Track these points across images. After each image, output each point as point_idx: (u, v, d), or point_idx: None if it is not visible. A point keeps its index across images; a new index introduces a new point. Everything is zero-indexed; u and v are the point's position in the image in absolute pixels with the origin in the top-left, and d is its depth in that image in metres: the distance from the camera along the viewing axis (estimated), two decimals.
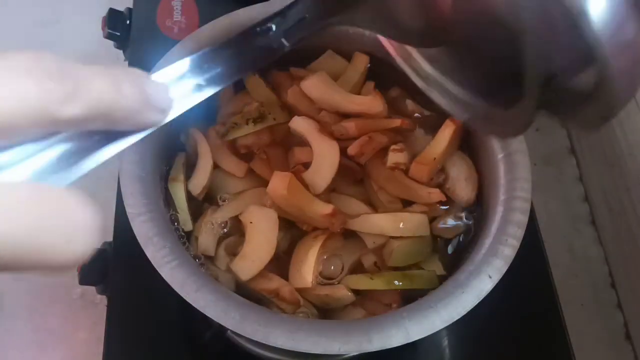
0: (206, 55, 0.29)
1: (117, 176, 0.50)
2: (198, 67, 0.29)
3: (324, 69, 0.61)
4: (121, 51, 0.81)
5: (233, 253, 0.53)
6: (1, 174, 0.21)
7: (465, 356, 0.64)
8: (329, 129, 0.56)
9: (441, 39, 0.35)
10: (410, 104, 0.60)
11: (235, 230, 0.54)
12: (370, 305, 0.52)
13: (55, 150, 0.23)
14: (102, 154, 0.27)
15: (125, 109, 0.25)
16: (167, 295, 0.45)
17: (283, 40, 0.32)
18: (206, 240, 0.53)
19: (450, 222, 0.55)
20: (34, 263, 0.21)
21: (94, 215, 0.22)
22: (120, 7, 0.79)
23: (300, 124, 0.56)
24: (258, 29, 0.31)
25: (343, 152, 0.55)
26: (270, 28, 0.31)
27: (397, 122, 0.57)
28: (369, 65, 0.61)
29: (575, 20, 0.24)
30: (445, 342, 0.63)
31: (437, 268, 0.53)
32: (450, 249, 0.55)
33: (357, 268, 0.53)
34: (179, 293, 0.45)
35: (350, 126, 0.56)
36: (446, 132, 0.56)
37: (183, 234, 0.53)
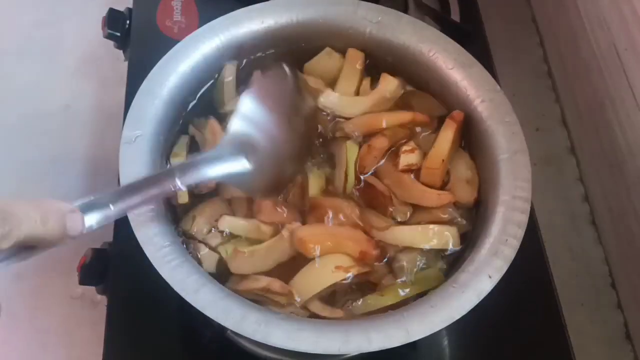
0: (121, 191, 0.43)
1: (117, 176, 0.50)
2: (113, 199, 0.43)
3: (321, 67, 0.61)
4: (121, 51, 0.81)
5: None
6: None
7: (465, 356, 0.64)
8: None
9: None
10: None
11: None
12: None
13: None
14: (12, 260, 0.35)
15: (46, 240, 0.35)
16: (167, 295, 0.45)
17: (179, 184, 0.44)
18: (203, 224, 0.53)
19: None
20: None
21: None
22: (120, 7, 0.79)
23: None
24: (161, 176, 0.45)
25: None
26: (173, 176, 0.44)
27: (408, 115, 0.57)
28: (367, 61, 0.61)
29: None
30: (445, 342, 0.63)
31: (440, 264, 0.53)
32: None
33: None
34: (179, 293, 0.45)
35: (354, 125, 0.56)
36: (448, 132, 0.56)
37: (182, 234, 0.53)
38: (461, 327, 0.58)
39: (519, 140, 0.54)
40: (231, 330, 0.45)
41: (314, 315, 0.50)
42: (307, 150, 0.56)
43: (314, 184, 0.55)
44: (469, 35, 0.76)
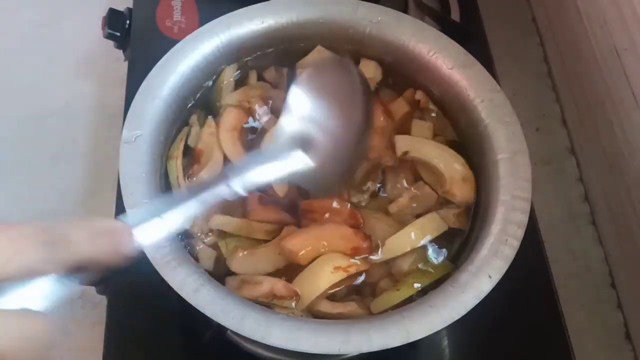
0: (173, 199, 0.38)
1: (117, 176, 0.50)
2: (166, 208, 0.37)
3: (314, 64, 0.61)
4: (121, 51, 0.81)
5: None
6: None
7: (465, 356, 0.64)
8: None
9: None
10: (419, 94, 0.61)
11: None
12: None
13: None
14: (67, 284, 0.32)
15: (98, 261, 0.33)
16: (167, 295, 0.45)
17: (238, 189, 0.41)
18: (203, 223, 0.53)
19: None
20: None
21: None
22: (120, 7, 0.79)
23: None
24: (218, 182, 0.41)
25: None
26: (228, 181, 0.40)
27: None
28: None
29: None
30: (445, 342, 0.63)
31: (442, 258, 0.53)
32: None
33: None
34: (179, 293, 0.45)
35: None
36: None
37: (183, 234, 0.53)
38: (461, 327, 0.58)
39: (519, 140, 0.54)
40: (231, 330, 0.45)
41: (325, 316, 0.50)
42: (364, 144, 0.50)
43: None
44: (469, 35, 0.76)
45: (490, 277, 0.47)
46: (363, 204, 0.56)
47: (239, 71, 0.62)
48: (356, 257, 0.52)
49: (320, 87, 0.46)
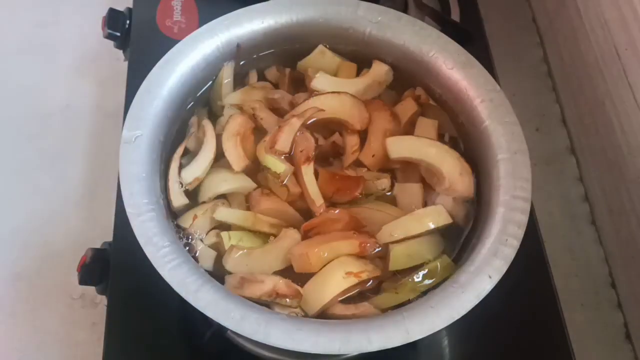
0: None
1: (117, 176, 0.50)
2: None
3: (315, 65, 0.61)
4: (121, 51, 0.81)
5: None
6: None
7: (465, 356, 0.64)
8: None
9: None
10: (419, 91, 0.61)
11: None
12: None
13: None
14: None
15: None
16: (167, 295, 0.45)
17: None
18: (203, 223, 0.53)
19: None
20: None
21: None
22: (120, 7, 0.79)
23: None
24: None
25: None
26: None
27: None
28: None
29: None
30: (445, 342, 0.63)
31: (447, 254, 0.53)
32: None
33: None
34: (179, 293, 0.45)
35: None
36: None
37: (182, 233, 0.53)
38: (461, 327, 0.58)
39: (519, 140, 0.54)
40: (231, 330, 0.45)
41: (339, 318, 0.50)
42: None
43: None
44: (469, 35, 0.76)
45: (490, 277, 0.47)
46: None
47: (240, 71, 0.62)
48: (366, 256, 0.52)
49: None
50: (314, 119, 0.57)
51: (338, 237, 0.52)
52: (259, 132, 0.58)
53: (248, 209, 0.55)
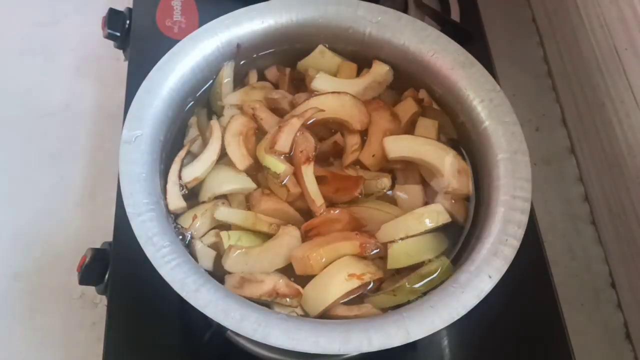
0: None
1: (117, 176, 0.50)
2: None
3: (315, 64, 0.61)
4: (121, 51, 0.81)
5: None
6: None
7: (465, 356, 0.64)
8: None
9: None
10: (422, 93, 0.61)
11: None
12: None
13: None
14: None
15: None
16: (167, 295, 0.45)
17: None
18: (202, 223, 0.53)
19: None
20: None
21: None
22: (120, 7, 0.79)
23: None
24: None
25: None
26: None
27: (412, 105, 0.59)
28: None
29: None
30: (445, 342, 0.63)
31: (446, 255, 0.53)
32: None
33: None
34: (179, 293, 0.45)
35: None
36: None
37: (182, 232, 0.53)
38: (461, 327, 0.58)
39: (519, 140, 0.54)
40: (231, 330, 0.45)
41: (342, 319, 0.50)
42: None
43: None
44: (469, 35, 0.76)
45: (490, 277, 0.47)
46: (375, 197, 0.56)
47: (240, 71, 0.62)
48: (367, 255, 0.52)
49: None
50: (314, 119, 0.57)
51: (339, 238, 0.52)
52: (259, 132, 0.58)
53: (248, 209, 0.55)
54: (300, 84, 0.62)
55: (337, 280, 0.50)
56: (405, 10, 0.79)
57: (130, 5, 0.79)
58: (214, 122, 0.57)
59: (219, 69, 0.60)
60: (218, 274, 0.51)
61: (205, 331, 0.59)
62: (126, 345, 0.60)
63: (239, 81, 0.62)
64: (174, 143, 0.57)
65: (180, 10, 0.78)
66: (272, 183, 0.55)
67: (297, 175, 0.55)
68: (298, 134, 0.56)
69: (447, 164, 0.55)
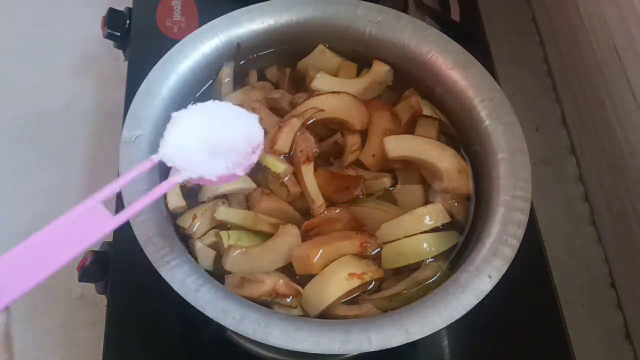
0: None
1: (117, 176, 0.50)
2: None
3: (315, 64, 0.61)
4: (121, 51, 0.81)
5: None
6: None
7: (465, 356, 0.64)
8: None
9: None
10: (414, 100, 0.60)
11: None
12: None
13: None
14: None
15: None
16: (167, 295, 0.45)
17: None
18: (202, 223, 0.53)
19: None
20: None
21: None
22: (120, 7, 0.79)
23: None
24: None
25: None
26: None
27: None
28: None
29: None
30: (445, 342, 0.63)
31: (442, 260, 0.53)
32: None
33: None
34: (179, 293, 0.45)
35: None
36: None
37: (182, 232, 0.53)
38: (461, 327, 0.58)
39: (519, 140, 0.54)
40: (231, 330, 0.45)
41: (342, 318, 0.50)
42: None
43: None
44: (469, 35, 0.76)
45: (490, 276, 0.47)
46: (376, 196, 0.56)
47: (240, 70, 0.62)
48: (367, 255, 0.52)
49: None
50: (314, 119, 0.57)
51: (339, 238, 0.52)
52: None
53: (248, 208, 0.55)
54: (300, 84, 0.62)
55: (338, 280, 0.50)
56: (405, 10, 0.79)
57: (130, 5, 0.79)
58: None
59: (219, 69, 0.60)
60: (218, 274, 0.51)
61: (205, 331, 0.59)
62: (126, 346, 0.60)
63: (239, 81, 0.62)
64: None
65: (180, 10, 0.78)
66: (272, 183, 0.55)
67: (297, 175, 0.55)
68: (298, 134, 0.56)
69: (447, 163, 0.55)
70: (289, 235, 0.52)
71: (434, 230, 0.54)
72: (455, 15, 0.80)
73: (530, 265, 0.63)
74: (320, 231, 0.53)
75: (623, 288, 0.76)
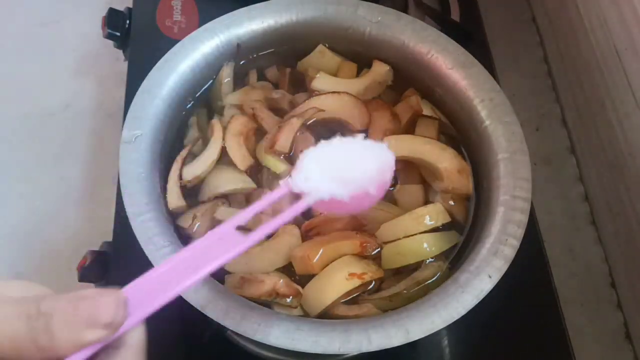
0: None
1: (117, 176, 0.50)
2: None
3: (315, 64, 0.61)
4: (121, 51, 0.81)
5: None
6: None
7: (465, 356, 0.64)
8: None
9: None
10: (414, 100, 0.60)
11: None
12: None
13: None
14: None
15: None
16: None
17: None
18: (203, 222, 0.53)
19: None
20: None
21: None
22: (120, 7, 0.79)
23: None
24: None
25: None
26: None
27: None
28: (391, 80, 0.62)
29: None
30: (445, 342, 0.63)
31: (442, 260, 0.53)
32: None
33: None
34: (179, 293, 0.45)
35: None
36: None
37: (182, 231, 0.53)
38: (461, 327, 0.58)
39: (519, 140, 0.54)
40: (231, 330, 0.45)
41: (342, 318, 0.50)
42: None
43: None
44: (469, 35, 0.76)
45: (490, 276, 0.47)
46: None
47: (240, 70, 0.62)
48: (367, 255, 0.52)
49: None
50: (314, 119, 0.57)
51: (339, 237, 0.52)
52: (259, 132, 0.58)
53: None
54: (300, 84, 0.62)
55: (338, 280, 0.50)
56: (405, 10, 0.79)
57: (130, 5, 0.79)
58: (215, 122, 0.57)
59: (219, 69, 0.60)
60: (218, 273, 0.51)
61: (205, 331, 0.59)
62: None
63: (239, 81, 0.62)
64: (174, 143, 0.57)
65: (180, 10, 0.78)
66: (272, 183, 0.55)
67: None
68: (298, 134, 0.56)
69: (447, 163, 0.55)
70: (289, 235, 0.52)
71: (434, 230, 0.54)
72: (455, 15, 0.80)
73: (530, 265, 0.63)
74: (320, 231, 0.53)
75: (623, 288, 0.76)
